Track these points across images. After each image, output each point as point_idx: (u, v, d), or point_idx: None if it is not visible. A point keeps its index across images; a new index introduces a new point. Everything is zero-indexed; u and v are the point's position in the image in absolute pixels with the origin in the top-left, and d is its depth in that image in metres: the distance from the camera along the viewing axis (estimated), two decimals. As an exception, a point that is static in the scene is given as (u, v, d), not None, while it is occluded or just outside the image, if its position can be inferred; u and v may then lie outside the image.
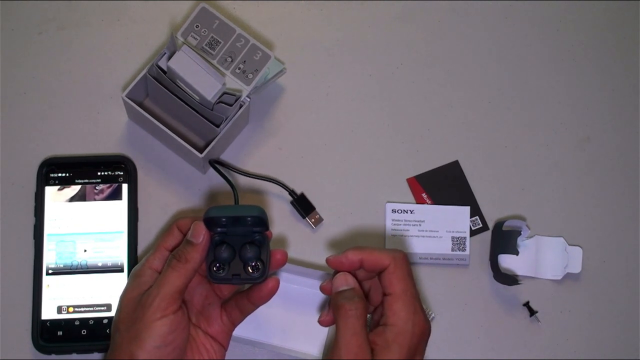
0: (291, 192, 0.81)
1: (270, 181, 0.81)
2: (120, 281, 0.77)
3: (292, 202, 0.82)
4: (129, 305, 0.67)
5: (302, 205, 0.82)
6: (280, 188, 0.82)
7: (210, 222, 0.67)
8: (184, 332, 0.67)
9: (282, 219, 0.82)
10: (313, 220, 0.82)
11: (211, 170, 0.82)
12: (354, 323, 0.64)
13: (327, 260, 0.68)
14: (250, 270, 0.67)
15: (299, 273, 0.77)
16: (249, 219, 0.66)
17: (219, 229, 0.68)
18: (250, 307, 0.71)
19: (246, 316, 0.72)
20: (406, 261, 0.66)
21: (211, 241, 0.68)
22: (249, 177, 0.81)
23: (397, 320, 0.64)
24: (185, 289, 0.67)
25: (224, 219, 0.66)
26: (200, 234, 0.67)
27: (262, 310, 0.72)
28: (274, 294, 0.70)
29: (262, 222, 0.66)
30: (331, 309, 0.67)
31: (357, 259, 0.67)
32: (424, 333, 0.64)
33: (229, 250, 0.67)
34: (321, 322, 0.68)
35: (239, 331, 0.74)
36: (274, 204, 0.82)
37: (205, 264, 0.68)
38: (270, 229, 0.69)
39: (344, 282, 0.67)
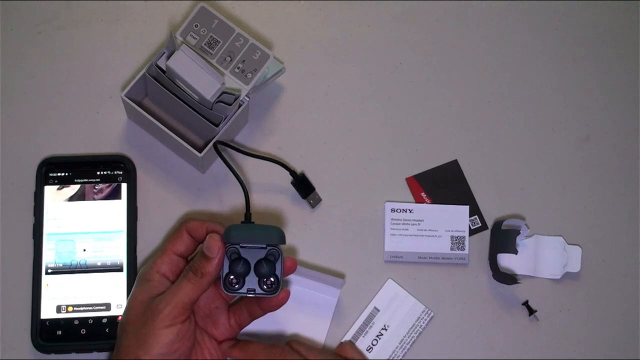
0: (292, 172, 0.81)
1: (271, 161, 0.81)
2: (119, 280, 0.77)
3: (292, 183, 0.82)
4: (137, 308, 0.67)
5: (302, 186, 0.82)
6: (281, 168, 0.82)
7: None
8: (189, 340, 0.68)
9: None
10: (312, 201, 0.82)
11: (211, 169, 0.82)
12: None
13: None
14: (265, 286, 0.69)
15: (302, 274, 0.78)
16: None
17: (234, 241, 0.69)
18: (260, 312, 0.72)
19: (254, 320, 0.73)
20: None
21: (226, 252, 0.69)
22: (251, 156, 0.81)
23: None
24: (197, 300, 0.68)
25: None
26: (216, 249, 0.68)
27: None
28: (284, 304, 0.71)
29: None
30: None
31: None
32: None
33: (245, 266, 0.69)
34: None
35: (241, 333, 0.74)
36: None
37: (220, 275, 0.69)
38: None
39: None
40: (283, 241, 0.69)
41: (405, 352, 0.79)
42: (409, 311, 0.80)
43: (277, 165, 0.81)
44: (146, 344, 0.65)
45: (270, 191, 0.83)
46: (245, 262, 0.69)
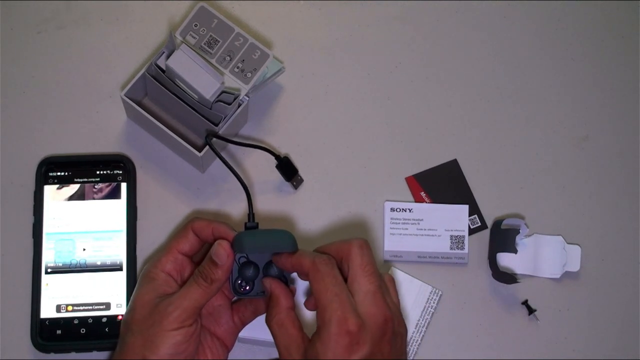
0: (276, 157, 0.81)
1: (256, 147, 0.81)
2: (119, 280, 0.77)
3: (277, 166, 0.82)
4: (144, 308, 0.67)
5: (285, 169, 0.82)
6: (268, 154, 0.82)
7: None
8: (196, 341, 0.68)
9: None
10: (295, 182, 0.82)
11: (210, 169, 0.83)
12: (277, 325, 0.66)
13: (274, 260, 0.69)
14: None
15: None
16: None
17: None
18: (264, 308, 0.72)
19: (258, 316, 0.73)
20: (326, 265, 0.64)
21: (235, 258, 0.69)
22: (235, 144, 0.80)
23: (320, 326, 0.62)
24: (205, 304, 0.68)
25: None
26: (225, 256, 0.68)
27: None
28: None
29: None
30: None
31: (289, 265, 0.67)
32: (355, 332, 0.60)
33: (255, 270, 0.69)
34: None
35: (243, 331, 0.74)
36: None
37: (229, 279, 0.69)
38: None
39: (267, 288, 0.69)
40: (296, 248, 0.68)
41: (422, 335, 0.79)
42: (418, 294, 0.80)
43: (274, 161, 0.81)
44: (153, 344, 0.65)
45: (269, 186, 0.83)
46: (254, 266, 0.69)
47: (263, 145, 0.81)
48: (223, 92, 0.76)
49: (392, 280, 0.68)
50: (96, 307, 0.77)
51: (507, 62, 0.89)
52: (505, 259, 0.82)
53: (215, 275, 0.67)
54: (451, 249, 0.82)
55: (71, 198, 0.79)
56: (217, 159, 0.82)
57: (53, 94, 0.84)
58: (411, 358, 0.79)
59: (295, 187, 0.82)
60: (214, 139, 0.77)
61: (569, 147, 0.87)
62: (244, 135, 0.84)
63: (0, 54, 0.84)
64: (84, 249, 0.78)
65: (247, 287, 0.69)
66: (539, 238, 0.83)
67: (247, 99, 0.79)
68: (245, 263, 0.69)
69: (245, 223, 0.73)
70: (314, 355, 0.61)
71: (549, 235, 0.83)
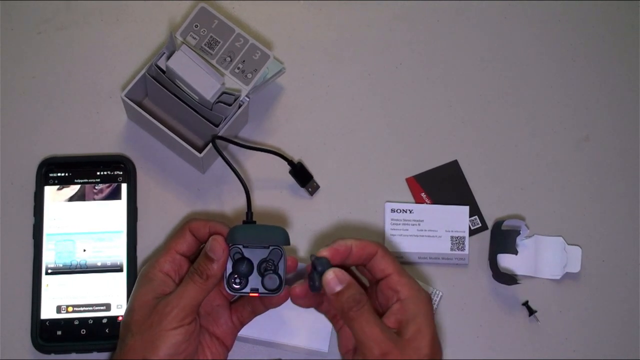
0: (290, 162, 0.81)
1: (268, 152, 0.81)
2: (119, 281, 0.77)
3: (290, 172, 0.82)
4: (143, 309, 0.67)
5: (300, 175, 0.82)
6: (280, 162, 0.82)
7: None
8: (196, 340, 0.68)
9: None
10: (310, 188, 0.82)
11: (211, 170, 0.82)
12: (367, 317, 0.64)
13: (320, 254, 0.67)
14: (269, 286, 0.69)
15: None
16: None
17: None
18: (263, 309, 0.72)
19: (256, 316, 0.73)
20: (388, 250, 0.69)
21: (229, 253, 0.69)
22: (248, 149, 0.81)
23: (410, 292, 0.65)
24: (202, 301, 0.68)
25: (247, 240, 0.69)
26: (220, 250, 0.68)
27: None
28: (286, 300, 0.71)
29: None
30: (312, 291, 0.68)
31: (347, 248, 0.67)
32: (430, 301, 0.67)
33: (249, 266, 0.69)
34: (295, 293, 0.69)
35: (243, 331, 0.74)
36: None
37: (224, 275, 0.69)
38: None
39: (338, 281, 0.66)
40: (287, 242, 0.69)
41: None
42: None
43: (275, 160, 0.81)
44: (153, 345, 0.65)
45: (270, 188, 0.83)
46: (248, 262, 0.69)
47: (276, 150, 0.81)
48: (223, 92, 0.76)
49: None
50: (96, 308, 0.77)
51: (507, 62, 0.89)
52: (506, 260, 0.82)
53: (210, 270, 0.67)
54: (452, 250, 0.82)
55: (71, 199, 0.79)
56: (218, 160, 0.82)
57: (53, 95, 0.84)
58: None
59: (311, 193, 0.82)
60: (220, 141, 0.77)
61: (569, 148, 0.87)
62: (244, 136, 0.84)
63: (0, 54, 0.84)
64: (85, 250, 0.78)
65: (241, 284, 0.69)
66: (539, 239, 0.83)
67: (248, 99, 0.79)
68: (240, 259, 0.69)
69: (243, 221, 0.73)
70: (416, 347, 0.63)
71: (550, 236, 0.83)
